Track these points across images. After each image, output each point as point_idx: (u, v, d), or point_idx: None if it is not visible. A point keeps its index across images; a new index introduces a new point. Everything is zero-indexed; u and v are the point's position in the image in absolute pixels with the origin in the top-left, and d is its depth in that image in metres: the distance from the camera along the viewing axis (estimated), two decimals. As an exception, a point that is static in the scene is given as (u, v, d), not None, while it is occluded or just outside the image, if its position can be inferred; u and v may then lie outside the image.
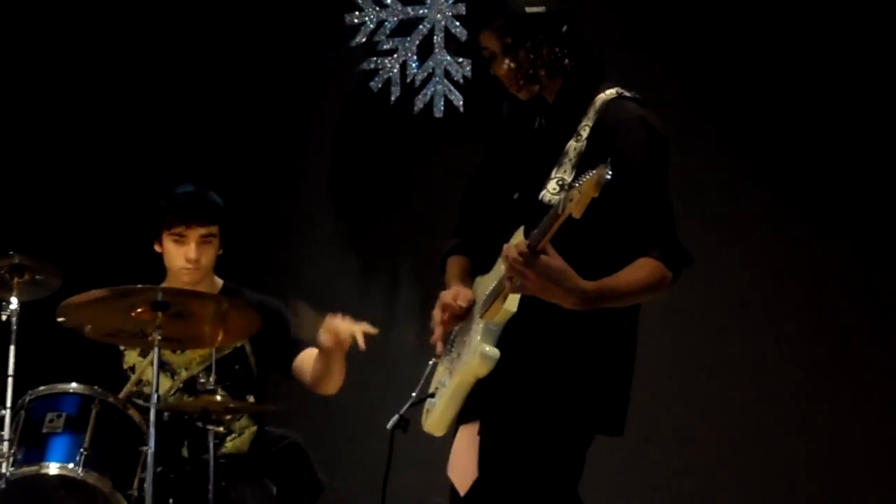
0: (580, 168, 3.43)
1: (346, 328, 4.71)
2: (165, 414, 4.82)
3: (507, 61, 3.60)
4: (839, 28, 5.68)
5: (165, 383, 4.95)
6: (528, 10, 3.56)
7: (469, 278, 3.71)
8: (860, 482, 5.52)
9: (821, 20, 5.70)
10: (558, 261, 3.29)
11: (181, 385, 4.98)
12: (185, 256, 4.90)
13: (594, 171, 3.12)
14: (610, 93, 3.56)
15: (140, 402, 4.88)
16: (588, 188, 3.12)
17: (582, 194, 3.13)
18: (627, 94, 3.57)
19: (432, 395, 3.67)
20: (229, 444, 4.93)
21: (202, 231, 4.91)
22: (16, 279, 4.77)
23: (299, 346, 5.01)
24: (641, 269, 3.41)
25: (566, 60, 3.59)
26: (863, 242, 5.60)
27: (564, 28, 3.59)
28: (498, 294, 3.45)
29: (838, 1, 5.71)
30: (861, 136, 5.64)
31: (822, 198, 5.66)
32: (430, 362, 3.74)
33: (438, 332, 3.65)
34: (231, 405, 4.68)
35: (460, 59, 6.10)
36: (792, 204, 5.71)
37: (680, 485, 5.70)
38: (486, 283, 3.59)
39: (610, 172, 3.10)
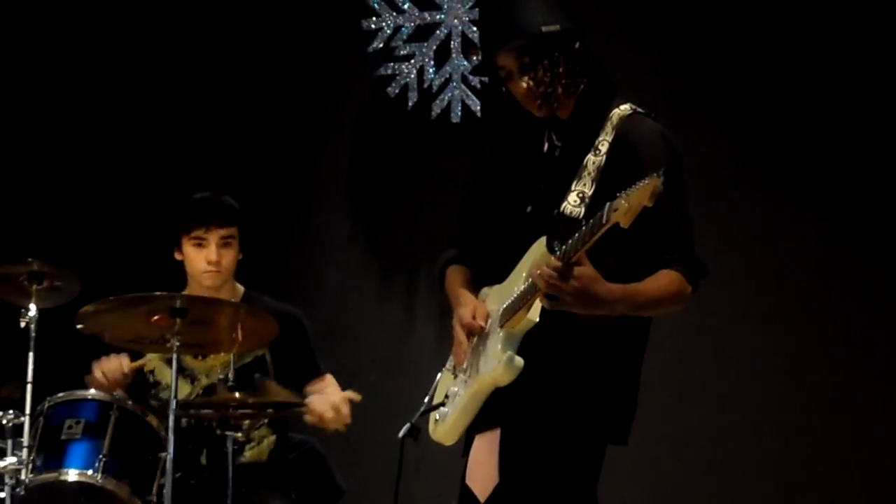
0: (601, 182, 3.52)
1: (330, 408, 4.76)
2: (183, 420, 4.82)
3: (525, 80, 3.63)
4: (843, 28, 5.67)
5: (185, 389, 4.95)
6: (545, 29, 3.60)
7: (473, 288, 3.75)
8: (868, 485, 5.50)
9: (823, 21, 5.68)
10: (590, 269, 3.35)
11: (201, 391, 4.98)
12: (205, 259, 4.90)
13: (646, 181, 3.17)
14: (625, 108, 3.62)
15: (157, 403, 4.90)
16: (639, 198, 3.17)
17: (631, 204, 3.18)
18: (641, 110, 3.64)
19: (442, 405, 3.69)
20: (248, 454, 4.92)
21: (222, 233, 4.92)
22: (34, 286, 4.77)
23: (314, 372, 5.03)
24: (663, 280, 3.48)
25: (580, 77, 3.63)
26: (872, 244, 5.59)
27: (577, 45, 3.64)
28: (522, 304, 3.49)
29: (842, 2, 5.70)
30: (868, 138, 5.62)
31: (831, 200, 5.65)
32: (439, 373, 3.77)
33: (462, 355, 3.67)
34: (250, 400, 4.65)
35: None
36: (799, 207, 5.71)
37: (692, 490, 5.69)
38: (501, 294, 3.62)
39: (663, 183, 3.15)
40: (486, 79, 6.05)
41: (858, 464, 5.52)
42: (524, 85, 3.64)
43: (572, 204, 3.52)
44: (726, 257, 5.55)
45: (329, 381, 5.09)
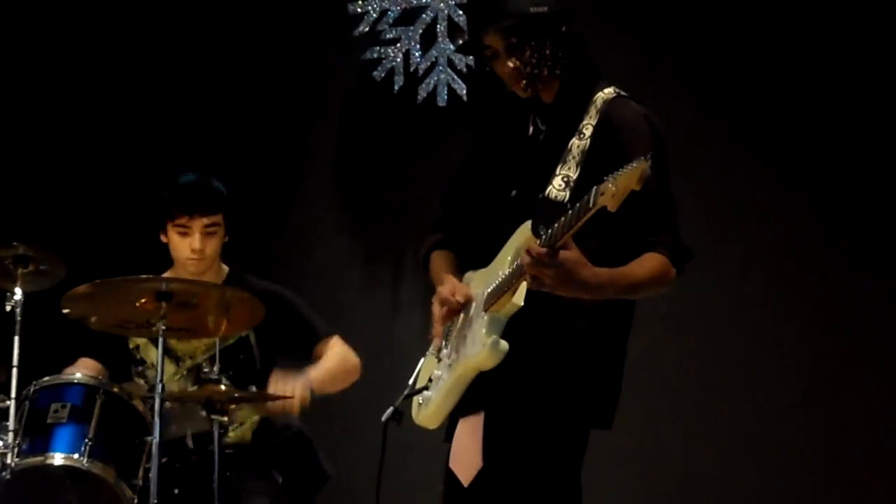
0: (585, 165, 3.52)
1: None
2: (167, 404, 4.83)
3: (511, 61, 3.63)
4: (845, 24, 5.66)
5: (170, 369, 4.95)
6: (533, 10, 3.60)
7: (457, 273, 3.75)
8: (862, 482, 5.51)
9: (826, 17, 5.68)
10: (576, 253, 3.35)
11: (185, 373, 4.98)
12: (189, 247, 4.90)
13: (634, 165, 3.17)
14: (609, 92, 3.62)
15: (142, 381, 4.90)
16: (627, 182, 3.17)
17: (619, 188, 3.18)
18: (624, 93, 3.64)
19: (426, 389, 3.69)
20: (232, 434, 4.93)
21: (206, 221, 4.91)
22: (20, 270, 4.78)
23: (317, 335, 5.02)
24: (648, 263, 3.48)
25: (565, 60, 3.63)
26: (867, 240, 5.59)
27: (564, 28, 3.64)
28: (507, 288, 3.49)
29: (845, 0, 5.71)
30: (866, 126, 5.62)
31: (826, 189, 5.65)
32: (423, 357, 3.77)
33: (438, 328, 3.68)
34: (236, 394, 4.68)
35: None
36: (794, 194, 5.71)
37: (676, 475, 5.70)
38: (486, 278, 3.62)
39: (650, 167, 3.15)
40: (471, 62, 6.05)
41: (848, 450, 5.53)
42: (510, 65, 3.63)
43: (557, 188, 3.52)
44: (715, 243, 5.56)
45: (334, 342, 5.08)
